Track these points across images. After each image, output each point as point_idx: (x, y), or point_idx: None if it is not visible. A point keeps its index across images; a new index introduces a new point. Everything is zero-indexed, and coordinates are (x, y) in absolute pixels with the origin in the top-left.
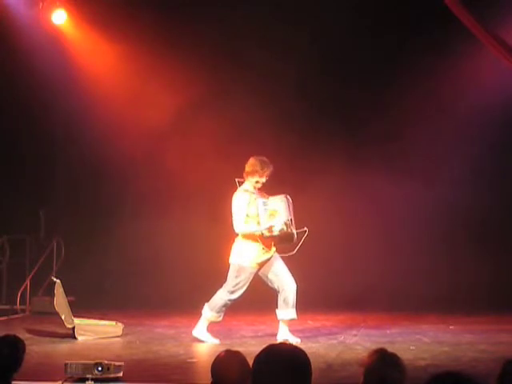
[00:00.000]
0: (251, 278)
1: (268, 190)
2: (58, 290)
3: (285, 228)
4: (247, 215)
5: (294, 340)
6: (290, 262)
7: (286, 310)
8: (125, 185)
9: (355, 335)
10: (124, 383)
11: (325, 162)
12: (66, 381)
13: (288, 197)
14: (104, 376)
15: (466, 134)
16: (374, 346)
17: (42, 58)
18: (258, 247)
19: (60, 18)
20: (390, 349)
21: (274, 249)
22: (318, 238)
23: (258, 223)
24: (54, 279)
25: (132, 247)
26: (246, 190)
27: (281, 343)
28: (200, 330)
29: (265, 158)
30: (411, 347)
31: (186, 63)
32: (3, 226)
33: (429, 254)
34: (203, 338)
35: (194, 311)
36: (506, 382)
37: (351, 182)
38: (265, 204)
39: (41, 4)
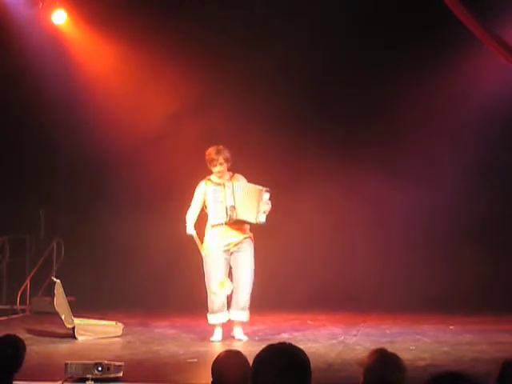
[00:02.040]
0: (222, 263)
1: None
2: (58, 290)
3: (225, 216)
4: (205, 205)
5: (240, 338)
6: (291, 262)
7: (236, 312)
8: (125, 184)
9: (355, 335)
10: (124, 383)
11: (323, 162)
12: (66, 381)
13: (235, 183)
14: (104, 376)
15: (465, 134)
16: (374, 346)
17: (41, 58)
18: (218, 232)
19: (60, 18)
20: (390, 349)
21: (243, 235)
22: (317, 239)
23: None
24: (54, 279)
25: (132, 247)
26: (207, 179)
27: (280, 343)
28: (214, 334)
29: (219, 147)
30: (411, 347)
31: (186, 63)
32: (3, 226)
33: (428, 255)
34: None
35: (195, 311)
36: (506, 383)
37: (349, 182)
38: (215, 192)
39: (41, 4)
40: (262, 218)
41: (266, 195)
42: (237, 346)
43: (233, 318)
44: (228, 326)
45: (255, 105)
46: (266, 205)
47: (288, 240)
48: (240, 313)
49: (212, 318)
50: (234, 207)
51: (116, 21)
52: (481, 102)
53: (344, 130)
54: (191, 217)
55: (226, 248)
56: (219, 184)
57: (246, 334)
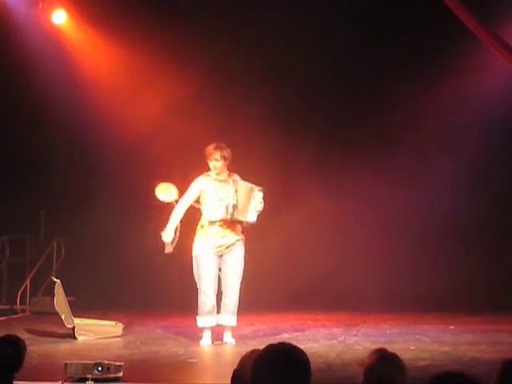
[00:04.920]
0: (213, 264)
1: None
2: (58, 289)
3: (225, 213)
4: (203, 200)
5: (230, 341)
6: (291, 262)
7: (226, 316)
8: (125, 185)
9: (355, 335)
10: (124, 383)
11: (321, 163)
12: (65, 381)
13: (240, 182)
14: (104, 376)
15: (465, 134)
16: (374, 346)
17: (41, 58)
18: (211, 232)
19: (60, 17)
20: (390, 349)
21: (236, 236)
22: (316, 239)
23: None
24: (54, 279)
25: (132, 247)
26: (206, 175)
27: (280, 343)
28: (203, 338)
29: (220, 144)
30: (411, 347)
31: (185, 62)
32: (3, 226)
33: (428, 254)
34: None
35: (194, 311)
36: (506, 383)
37: (348, 183)
38: (215, 188)
39: (41, 4)
40: (253, 217)
41: (259, 194)
42: (237, 346)
43: (222, 323)
44: (221, 327)
45: (254, 105)
46: (258, 204)
47: (287, 240)
48: (229, 317)
49: (201, 321)
50: (236, 206)
51: (116, 21)
52: (480, 102)
53: (343, 131)
54: (179, 212)
55: (218, 250)
56: (220, 181)
57: (243, 334)
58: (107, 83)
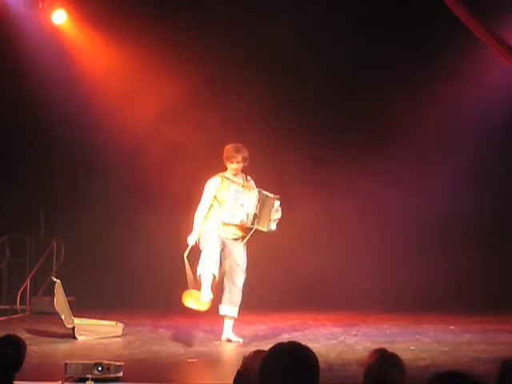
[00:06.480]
0: (218, 249)
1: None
2: (58, 289)
3: (245, 220)
4: (216, 199)
5: (236, 340)
6: (291, 263)
7: (229, 307)
8: (125, 184)
9: (355, 335)
10: (124, 383)
11: (320, 164)
12: (66, 381)
13: (263, 193)
14: (104, 376)
15: (464, 135)
16: (374, 346)
17: (41, 58)
18: (223, 229)
19: (60, 17)
20: (390, 349)
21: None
22: (316, 239)
23: (222, 208)
24: (54, 279)
25: (132, 247)
26: (222, 176)
27: (289, 342)
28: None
29: (239, 145)
30: (411, 347)
31: (185, 62)
32: (3, 226)
33: (428, 255)
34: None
35: (194, 311)
36: (506, 383)
37: (348, 183)
38: (237, 192)
39: (41, 4)
40: (273, 227)
41: (277, 203)
42: (237, 346)
43: (224, 313)
44: (221, 327)
45: (253, 106)
46: (276, 212)
47: (287, 240)
48: (232, 308)
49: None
50: (256, 215)
51: (116, 21)
52: (480, 103)
53: (342, 131)
54: (201, 216)
55: (224, 235)
56: (243, 186)
57: (243, 334)
58: (107, 82)
